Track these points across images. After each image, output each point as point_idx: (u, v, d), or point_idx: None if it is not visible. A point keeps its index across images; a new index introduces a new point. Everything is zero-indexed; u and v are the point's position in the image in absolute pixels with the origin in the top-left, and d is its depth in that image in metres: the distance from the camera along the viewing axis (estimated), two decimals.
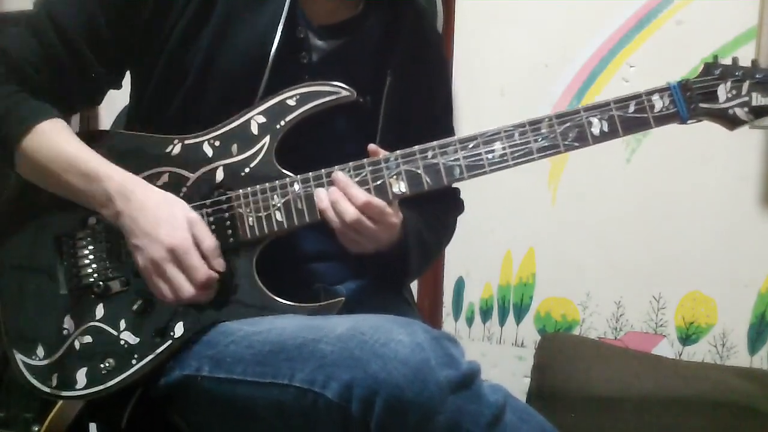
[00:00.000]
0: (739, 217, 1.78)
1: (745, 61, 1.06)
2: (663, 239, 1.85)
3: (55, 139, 1.07)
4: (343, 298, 1.07)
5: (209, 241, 1.03)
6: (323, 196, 1.04)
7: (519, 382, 1.97)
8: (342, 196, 1.03)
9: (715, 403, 1.62)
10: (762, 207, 1.77)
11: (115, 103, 1.25)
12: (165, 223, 1.01)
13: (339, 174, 1.04)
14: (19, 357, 1.08)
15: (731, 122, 1.06)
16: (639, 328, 1.90)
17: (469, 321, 2.07)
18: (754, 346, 1.81)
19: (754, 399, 1.60)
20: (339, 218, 1.02)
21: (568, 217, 1.94)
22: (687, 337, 1.86)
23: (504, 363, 2.03)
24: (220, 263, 1.03)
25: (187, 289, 1.01)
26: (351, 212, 1.02)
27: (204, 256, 1.02)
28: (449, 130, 1.30)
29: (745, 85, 1.04)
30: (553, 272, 1.97)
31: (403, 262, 1.16)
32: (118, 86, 1.18)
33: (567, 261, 1.94)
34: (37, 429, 1.64)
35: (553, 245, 1.96)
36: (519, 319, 2.02)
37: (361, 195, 1.02)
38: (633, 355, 1.81)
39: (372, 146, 1.06)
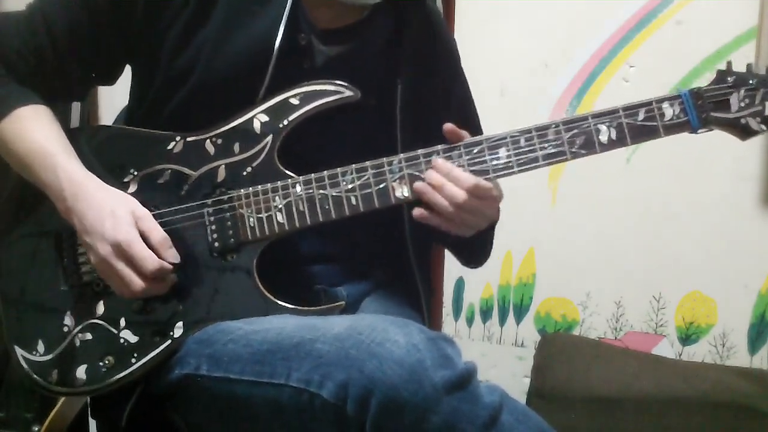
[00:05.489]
0: (739, 217, 1.78)
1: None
2: (663, 239, 1.85)
3: (27, 125, 1.07)
4: (343, 302, 1.06)
5: (157, 233, 1.02)
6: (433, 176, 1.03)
7: (519, 382, 1.97)
8: (446, 181, 1.02)
9: (715, 403, 1.62)
10: (762, 207, 1.77)
11: (115, 100, 1.25)
12: (109, 219, 1.01)
13: (440, 161, 1.03)
14: (20, 352, 1.08)
15: (743, 132, 1.03)
16: (639, 328, 1.90)
17: (469, 321, 2.08)
18: (754, 346, 1.81)
19: (754, 399, 1.60)
20: (449, 201, 1.01)
21: (568, 217, 1.94)
22: (687, 337, 1.86)
23: (504, 363, 2.03)
24: (172, 254, 1.02)
25: (137, 282, 1.00)
26: (460, 194, 1.01)
27: (153, 250, 1.01)
28: (472, 125, 1.26)
29: (759, 95, 1.02)
30: (553, 272, 1.97)
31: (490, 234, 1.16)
32: (110, 83, 1.18)
33: (567, 261, 1.95)
34: (37, 429, 1.65)
35: (553, 245, 1.96)
36: (519, 319, 2.02)
37: (469, 178, 1.02)
38: (633, 355, 1.81)
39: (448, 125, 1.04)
